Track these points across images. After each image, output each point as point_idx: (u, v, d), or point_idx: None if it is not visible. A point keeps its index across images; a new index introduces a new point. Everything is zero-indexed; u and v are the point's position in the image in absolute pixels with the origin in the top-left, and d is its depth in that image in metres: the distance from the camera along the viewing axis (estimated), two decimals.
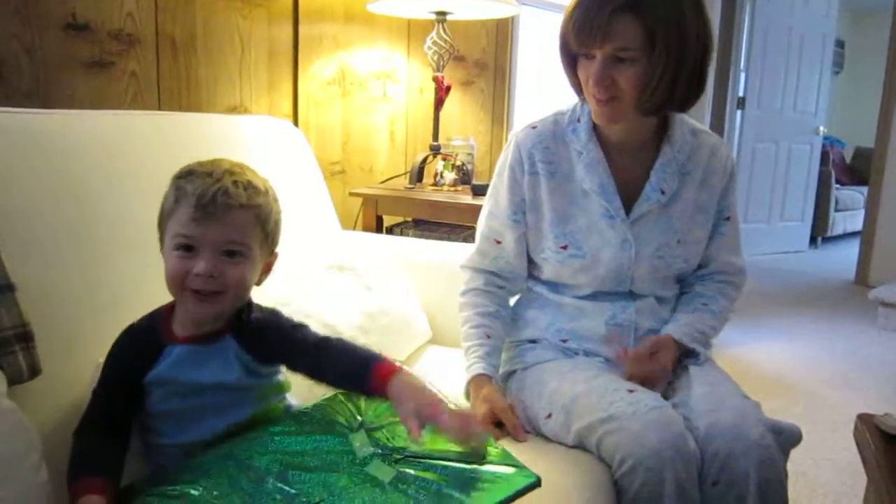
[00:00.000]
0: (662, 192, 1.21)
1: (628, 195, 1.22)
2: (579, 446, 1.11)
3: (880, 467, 1.03)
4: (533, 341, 1.31)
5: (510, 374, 1.29)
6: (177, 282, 0.91)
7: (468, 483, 0.87)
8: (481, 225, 1.34)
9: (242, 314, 0.99)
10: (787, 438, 1.09)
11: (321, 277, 1.47)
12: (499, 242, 1.30)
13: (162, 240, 0.96)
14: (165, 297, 0.99)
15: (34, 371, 0.90)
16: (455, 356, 1.46)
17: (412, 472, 0.90)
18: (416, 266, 1.70)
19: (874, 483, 1.05)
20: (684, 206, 1.24)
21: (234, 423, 0.96)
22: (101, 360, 0.97)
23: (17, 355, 0.88)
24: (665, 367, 1.19)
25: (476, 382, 1.20)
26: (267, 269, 1.02)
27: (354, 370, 0.98)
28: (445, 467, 0.90)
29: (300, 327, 1.02)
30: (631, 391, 1.10)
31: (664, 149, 1.22)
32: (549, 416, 1.16)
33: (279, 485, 0.86)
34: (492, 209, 1.31)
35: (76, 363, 0.98)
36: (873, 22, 6.86)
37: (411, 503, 0.84)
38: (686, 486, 1.01)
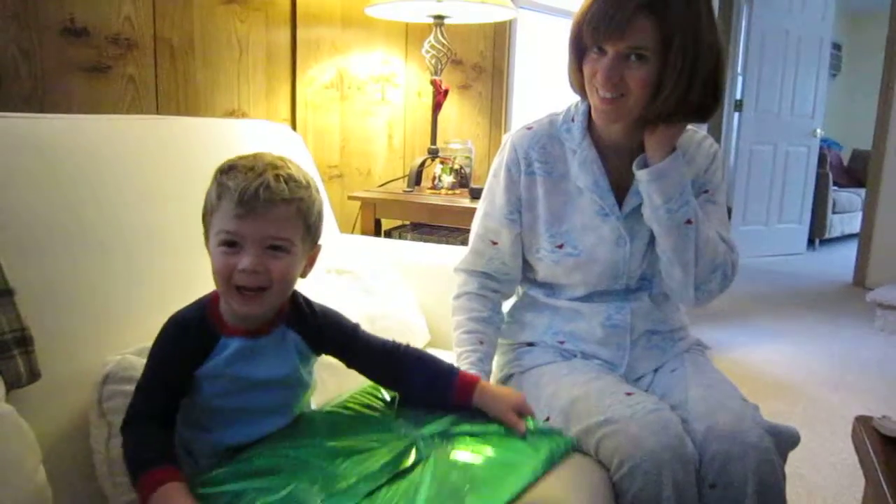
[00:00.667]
0: None
1: (621, 192, 1.22)
2: (577, 449, 1.11)
3: (878, 469, 1.03)
4: (530, 344, 1.31)
5: (507, 378, 1.29)
6: (224, 278, 0.90)
7: (508, 452, 0.98)
8: (476, 226, 1.34)
9: (301, 306, 1.01)
10: (785, 441, 1.09)
11: (320, 281, 1.47)
12: (495, 243, 1.30)
13: (207, 235, 0.94)
14: (169, 300, 0.99)
15: (33, 375, 0.90)
16: (453, 359, 1.46)
17: (453, 450, 0.98)
18: (415, 269, 1.70)
19: (872, 485, 1.05)
20: None
21: (284, 425, 0.98)
22: (109, 358, 0.97)
23: (16, 359, 0.88)
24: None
25: None
26: (311, 262, 1.01)
27: (435, 382, 1.06)
28: (487, 440, 1.00)
29: (357, 327, 1.06)
30: (629, 394, 1.10)
31: None
32: (547, 419, 1.16)
33: (325, 468, 0.90)
34: (487, 210, 1.31)
35: (75, 367, 0.98)
36: (870, 24, 6.89)
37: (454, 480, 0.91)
38: (684, 489, 1.01)
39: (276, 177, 0.90)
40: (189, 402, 0.94)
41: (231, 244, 0.89)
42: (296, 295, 1.01)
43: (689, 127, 1.26)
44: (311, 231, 0.96)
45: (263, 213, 0.88)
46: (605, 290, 1.26)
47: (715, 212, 1.24)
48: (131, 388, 0.94)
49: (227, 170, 0.91)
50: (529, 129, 1.27)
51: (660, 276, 1.26)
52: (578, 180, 1.23)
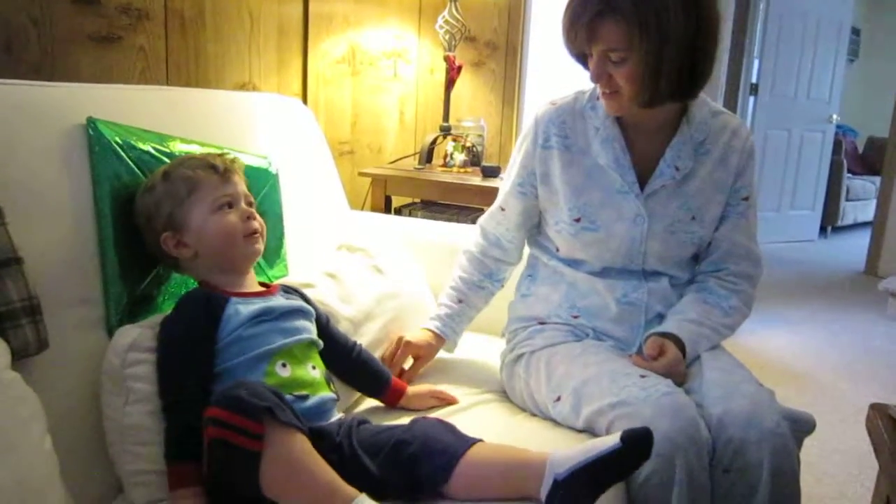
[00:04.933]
0: (677, 169, 1.22)
1: (644, 172, 1.23)
2: (588, 431, 1.11)
3: (893, 456, 1.02)
4: (542, 322, 1.30)
5: (518, 358, 1.28)
6: (237, 231, 1.04)
7: None
8: (499, 191, 1.40)
9: (287, 286, 1.16)
10: (801, 427, 1.08)
11: (332, 257, 1.46)
12: (503, 210, 1.37)
13: (178, 226, 1.03)
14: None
15: (41, 344, 0.89)
16: (463, 339, 1.45)
17: None
18: (425, 247, 1.68)
19: (886, 472, 1.04)
20: (701, 185, 1.24)
21: (298, 339, 1.05)
22: (126, 327, 0.98)
23: (24, 328, 0.87)
24: (674, 366, 1.16)
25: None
26: None
27: (373, 386, 1.24)
28: None
29: (329, 318, 1.20)
30: (643, 376, 1.09)
31: (682, 128, 1.23)
32: (559, 399, 1.15)
33: None
34: (505, 178, 1.38)
35: (84, 337, 0.97)
36: (890, 10, 6.77)
37: None
38: (696, 473, 1.00)
39: (221, 154, 1.11)
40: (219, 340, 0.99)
41: (229, 205, 1.05)
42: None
43: (721, 108, 1.28)
44: None
45: (238, 176, 1.09)
46: (622, 268, 1.26)
47: (748, 216, 1.28)
48: (154, 357, 0.97)
49: (177, 166, 1.06)
50: (553, 104, 1.30)
51: (678, 263, 1.28)
52: (600, 157, 1.23)
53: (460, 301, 1.37)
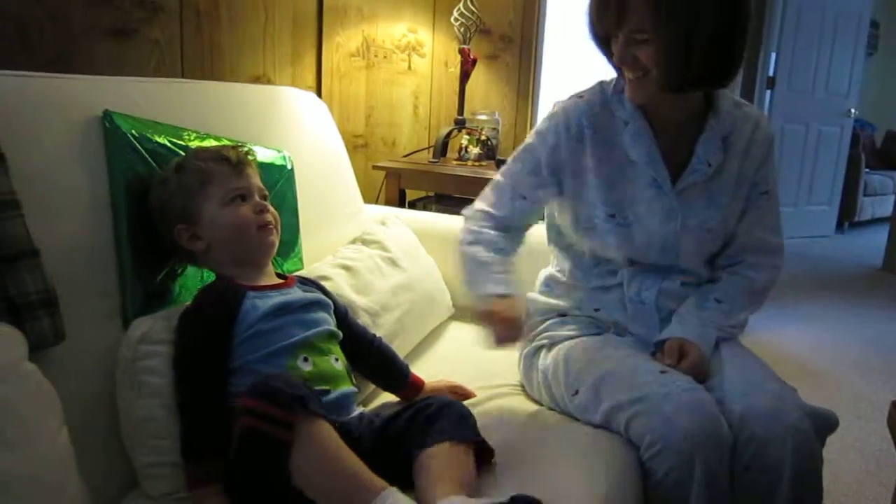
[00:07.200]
0: (709, 165, 1.19)
1: (672, 166, 1.20)
2: (606, 426, 1.09)
3: None
4: (562, 315, 1.29)
5: (537, 350, 1.27)
6: (251, 223, 1.04)
7: None
8: (506, 176, 1.27)
9: (305, 278, 1.17)
10: (823, 425, 1.06)
11: (347, 250, 1.45)
12: (524, 198, 1.25)
13: (191, 219, 1.02)
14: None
15: (58, 336, 0.89)
16: (481, 331, 1.44)
17: None
18: (440, 241, 1.68)
19: None
20: (728, 178, 1.22)
21: (318, 331, 1.04)
22: (140, 320, 0.98)
23: (42, 320, 0.87)
24: (698, 366, 1.15)
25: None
26: None
27: (391, 380, 1.22)
28: None
29: (347, 310, 1.20)
30: (663, 372, 1.08)
31: (710, 122, 1.20)
32: (577, 392, 1.14)
33: None
34: (515, 170, 1.27)
35: (100, 330, 0.98)
36: None
37: None
38: (716, 472, 0.99)
39: (236, 146, 1.12)
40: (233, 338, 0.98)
41: (242, 198, 1.05)
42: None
43: (741, 100, 1.26)
44: None
45: (250, 170, 1.08)
46: (654, 263, 1.24)
47: (767, 208, 1.25)
48: (166, 349, 0.96)
49: (190, 159, 1.06)
50: (581, 97, 1.25)
51: (709, 258, 1.26)
52: (631, 152, 1.20)
53: (505, 265, 1.21)
